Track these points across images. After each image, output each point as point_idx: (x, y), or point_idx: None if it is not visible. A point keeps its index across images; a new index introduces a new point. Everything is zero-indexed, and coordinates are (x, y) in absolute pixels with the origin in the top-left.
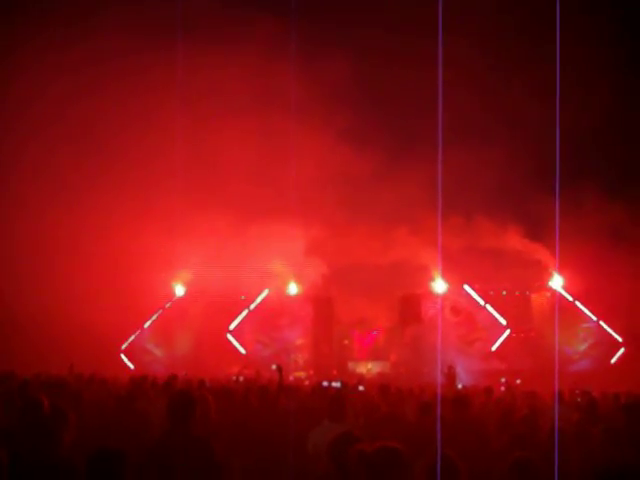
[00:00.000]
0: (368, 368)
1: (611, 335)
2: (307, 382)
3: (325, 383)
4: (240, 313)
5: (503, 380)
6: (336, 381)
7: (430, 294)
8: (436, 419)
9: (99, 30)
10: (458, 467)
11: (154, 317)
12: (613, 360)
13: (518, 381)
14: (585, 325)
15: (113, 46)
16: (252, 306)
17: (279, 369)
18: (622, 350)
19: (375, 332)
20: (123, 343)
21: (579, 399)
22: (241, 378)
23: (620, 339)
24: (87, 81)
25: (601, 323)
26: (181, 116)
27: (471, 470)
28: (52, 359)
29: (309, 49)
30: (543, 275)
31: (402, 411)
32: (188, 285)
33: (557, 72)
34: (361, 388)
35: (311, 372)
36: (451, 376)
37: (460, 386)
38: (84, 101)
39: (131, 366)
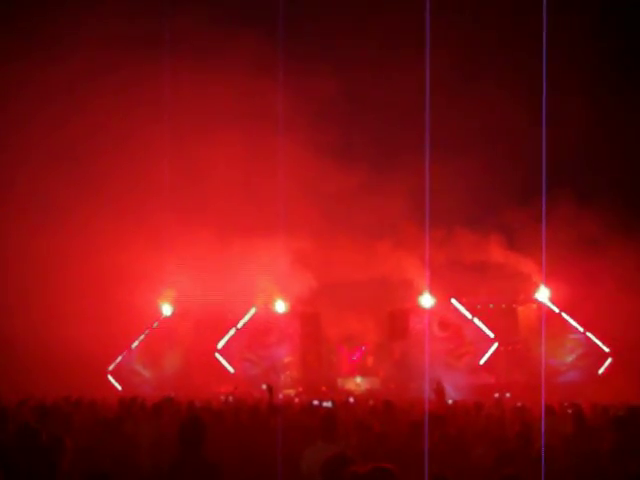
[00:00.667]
0: (357, 384)
1: (598, 346)
2: (297, 400)
3: (316, 402)
4: (228, 332)
5: (497, 396)
6: (327, 401)
7: (418, 309)
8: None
9: (82, 47)
10: None
11: (141, 337)
12: (600, 371)
13: (508, 395)
14: (572, 336)
15: (97, 63)
16: (240, 324)
17: (269, 389)
18: (609, 360)
19: (363, 348)
20: (110, 364)
21: (569, 411)
22: (230, 398)
23: (607, 349)
24: (72, 99)
25: (588, 334)
26: (166, 133)
27: None
28: (38, 381)
29: (294, 65)
30: (529, 287)
31: (394, 429)
32: (175, 304)
33: (544, 85)
34: (351, 400)
35: (300, 389)
36: (440, 392)
37: (450, 402)
38: (69, 118)
39: (119, 387)
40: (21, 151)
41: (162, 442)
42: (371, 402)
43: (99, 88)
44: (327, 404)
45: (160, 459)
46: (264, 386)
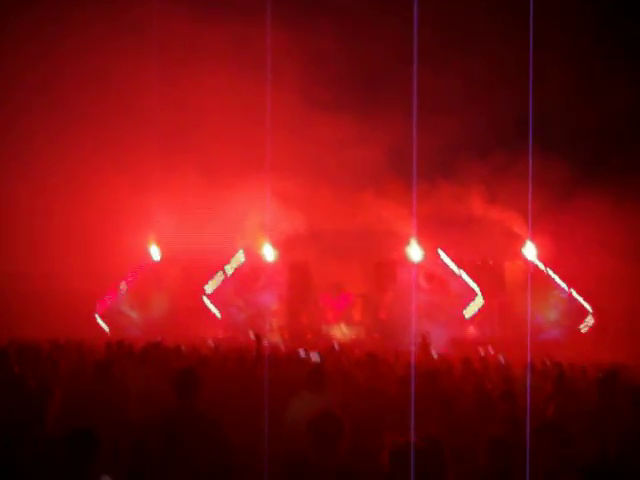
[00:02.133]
0: (342, 332)
1: (581, 304)
2: (282, 347)
3: (302, 352)
4: (215, 275)
5: (482, 352)
6: (314, 352)
7: (405, 260)
8: (415, 392)
9: None
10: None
11: (130, 280)
12: (582, 328)
13: (490, 349)
14: (556, 293)
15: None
16: (228, 269)
17: (257, 337)
18: (591, 318)
19: (350, 296)
20: (98, 306)
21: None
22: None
23: (590, 308)
24: (57, 35)
25: (572, 291)
26: (154, 76)
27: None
28: (25, 322)
29: (287, 15)
30: (516, 243)
31: (379, 383)
32: (163, 247)
33: (530, 39)
34: (336, 346)
35: (286, 336)
36: (425, 345)
37: (435, 355)
38: (53, 54)
39: (106, 329)
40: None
41: (150, 389)
42: (356, 352)
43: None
44: (314, 356)
45: (149, 407)
46: (252, 334)
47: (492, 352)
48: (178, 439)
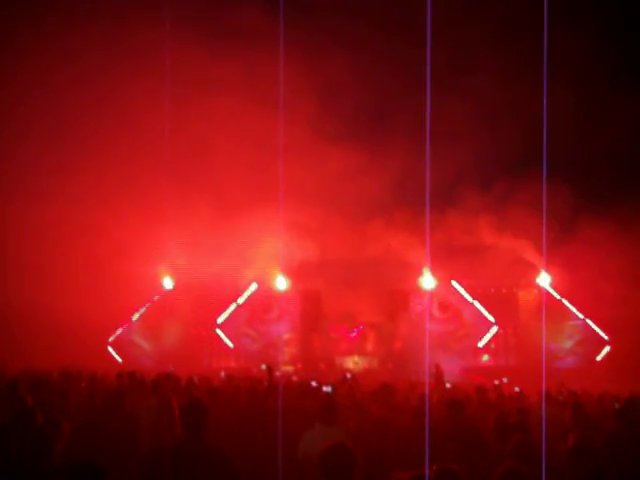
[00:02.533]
0: (355, 362)
1: (597, 333)
2: (295, 378)
3: (314, 383)
4: (228, 307)
5: (496, 382)
6: (327, 385)
7: (418, 290)
8: (430, 423)
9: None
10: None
11: (142, 310)
12: (599, 358)
13: (505, 380)
14: (571, 323)
15: (96, 30)
16: (240, 300)
17: (269, 369)
18: (607, 348)
19: (362, 327)
20: (110, 336)
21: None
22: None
23: (606, 337)
24: (65, 59)
25: (587, 321)
26: (164, 103)
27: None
28: (38, 353)
29: (298, 42)
30: (530, 272)
31: (393, 414)
32: (175, 278)
33: (544, 58)
34: (348, 376)
35: (299, 366)
36: (439, 375)
37: (448, 385)
38: (64, 85)
39: (119, 359)
40: (15, 119)
41: (162, 420)
42: (370, 383)
43: (99, 54)
44: (327, 389)
45: (160, 438)
46: (264, 366)
47: (506, 382)
48: (185, 472)
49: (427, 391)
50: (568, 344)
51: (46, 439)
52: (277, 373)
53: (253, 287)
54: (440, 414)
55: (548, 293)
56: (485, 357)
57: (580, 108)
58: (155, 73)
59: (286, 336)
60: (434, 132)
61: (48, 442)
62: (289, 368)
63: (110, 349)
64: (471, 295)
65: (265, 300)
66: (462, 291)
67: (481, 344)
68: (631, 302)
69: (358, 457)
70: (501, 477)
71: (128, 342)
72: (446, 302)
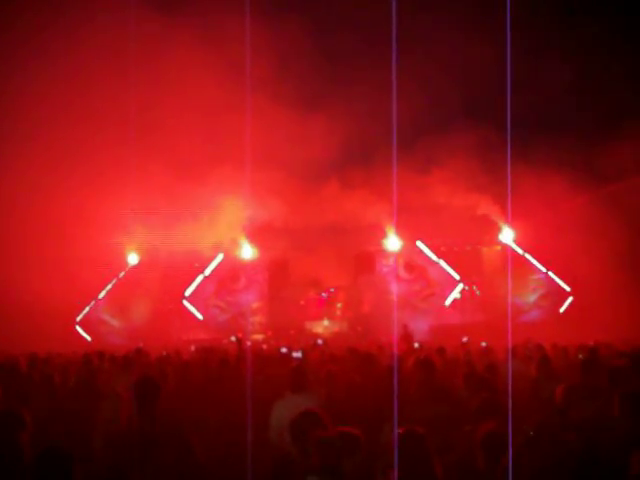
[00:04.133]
0: (325, 327)
1: (559, 285)
2: (265, 346)
3: (284, 349)
4: (195, 279)
5: (465, 340)
6: (297, 351)
7: (383, 251)
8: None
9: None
10: (424, 439)
11: (108, 287)
12: (562, 309)
13: (465, 339)
14: (535, 276)
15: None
16: (207, 271)
17: (238, 341)
18: (570, 299)
19: (331, 290)
20: (78, 315)
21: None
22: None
23: (568, 288)
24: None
25: (550, 274)
26: (123, 73)
27: (439, 439)
28: (3, 336)
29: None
30: (493, 229)
31: (364, 378)
32: (141, 253)
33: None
34: (320, 342)
35: (269, 334)
36: (407, 336)
37: (417, 345)
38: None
39: (88, 338)
40: None
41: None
42: (340, 346)
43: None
44: (297, 354)
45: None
46: (233, 338)
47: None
48: (138, 451)
49: (396, 352)
50: (532, 298)
51: (7, 433)
52: (247, 342)
53: (219, 258)
54: (412, 375)
55: (511, 249)
56: (451, 315)
57: (543, 56)
58: (108, 34)
59: (255, 305)
60: (390, 88)
61: (9, 436)
62: (259, 336)
63: (78, 328)
64: (436, 254)
65: (232, 270)
66: (427, 251)
67: (447, 302)
68: (591, 253)
69: (327, 424)
70: (483, 439)
71: (96, 320)
72: (412, 262)
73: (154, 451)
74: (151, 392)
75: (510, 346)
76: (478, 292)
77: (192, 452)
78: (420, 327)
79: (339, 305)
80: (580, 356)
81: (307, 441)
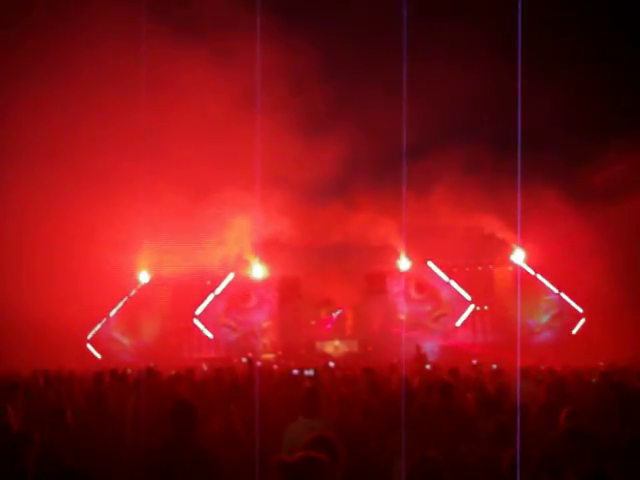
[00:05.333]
0: (335, 347)
1: (572, 306)
2: (276, 366)
3: (295, 371)
4: (206, 298)
5: (475, 362)
6: (308, 369)
7: (394, 271)
8: (417, 407)
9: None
10: (440, 467)
11: (119, 305)
12: (574, 331)
13: (475, 361)
14: (547, 297)
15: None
16: (218, 290)
17: (250, 362)
18: (582, 320)
19: (340, 311)
20: (88, 333)
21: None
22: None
23: (581, 310)
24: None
25: (562, 295)
26: (132, 94)
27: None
28: (14, 354)
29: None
30: (505, 250)
31: (376, 400)
32: (152, 271)
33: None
34: (331, 364)
35: (279, 353)
36: (420, 357)
37: (428, 366)
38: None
39: (98, 356)
40: None
41: (146, 418)
42: (351, 368)
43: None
44: (309, 372)
45: (145, 437)
46: (244, 359)
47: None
48: (175, 473)
49: (405, 373)
50: (544, 319)
51: (17, 451)
52: (258, 363)
53: (230, 277)
54: (424, 397)
55: (523, 269)
56: (463, 336)
57: (550, 80)
58: (119, 56)
59: (265, 324)
60: (400, 108)
61: (17, 456)
62: (270, 356)
63: (89, 346)
64: (447, 274)
65: (242, 289)
66: (438, 271)
67: (459, 323)
68: (603, 273)
69: (339, 447)
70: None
71: (107, 338)
72: (423, 282)
73: (191, 474)
74: (189, 415)
75: (519, 368)
76: (489, 312)
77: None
78: (431, 348)
79: (350, 325)
80: (593, 380)
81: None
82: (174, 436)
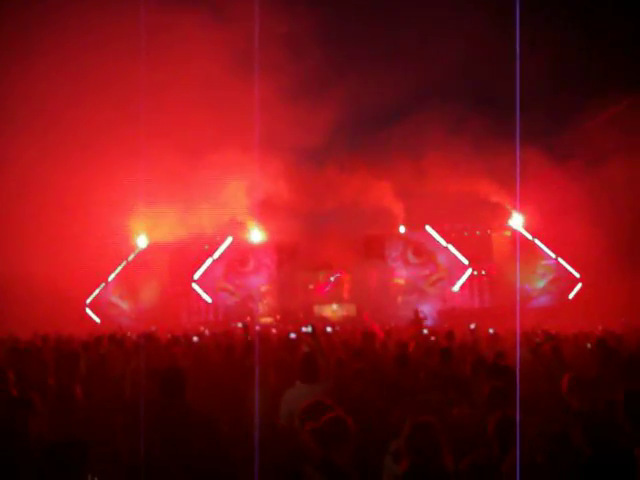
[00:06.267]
0: (333, 310)
1: (569, 271)
2: (274, 330)
3: (292, 335)
4: (204, 262)
5: (473, 326)
6: (306, 326)
7: (392, 236)
8: (413, 371)
9: None
10: (437, 432)
11: (118, 270)
12: (571, 295)
13: (472, 325)
14: (544, 262)
15: None
16: (216, 255)
17: (245, 327)
18: (579, 285)
19: (338, 275)
20: (87, 297)
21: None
22: (207, 331)
23: (578, 275)
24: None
25: (559, 259)
26: (131, 61)
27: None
28: (15, 319)
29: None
30: (503, 214)
31: (373, 363)
32: (150, 236)
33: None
34: (328, 329)
35: (277, 317)
36: (418, 320)
37: (425, 331)
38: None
39: (97, 320)
40: None
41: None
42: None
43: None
44: (306, 329)
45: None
46: (240, 324)
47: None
48: (169, 435)
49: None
50: (541, 283)
51: (20, 415)
52: (256, 327)
53: (228, 241)
54: (421, 361)
55: (520, 234)
56: (460, 300)
57: (549, 51)
58: (115, 21)
59: (263, 288)
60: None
61: (23, 418)
62: (268, 320)
63: (88, 310)
64: (445, 239)
65: (241, 253)
66: (436, 235)
67: (456, 287)
68: (600, 239)
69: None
70: (496, 425)
71: (106, 303)
72: (420, 247)
73: (184, 438)
74: (178, 382)
75: (518, 332)
76: (486, 277)
77: (220, 439)
78: (429, 312)
79: (348, 289)
80: (588, 345)
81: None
82: (165, 399)
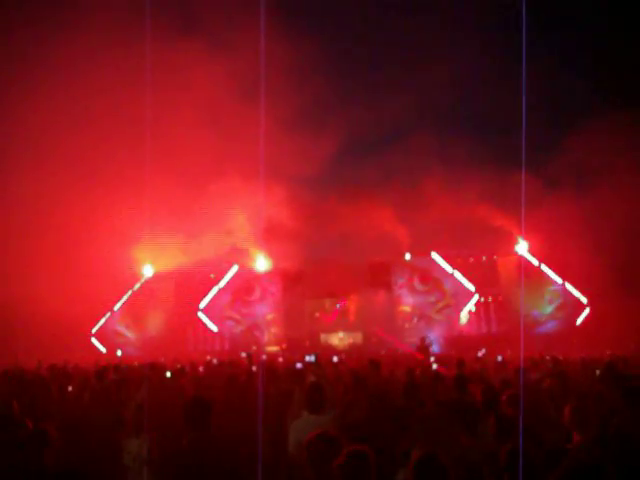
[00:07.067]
0: (340, 338)
1: (576, 296)
2: (281, 359)
3: (299, 365)
4: (210, 291)
5: (480, 354)
6: (310, 355)
7: (398, 262)
8: (420, 402)
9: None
10: (444, 465)
11: (124, 299)
12: (579, 321)
13: (480, 353)
14: (551, 288)
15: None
16: (222, 283)
17: (249, 357)
18: (587, 310)
19: (344, 303)
20: (93, 327)
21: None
22: (214, 360)
23: (585, 300)
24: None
25: (566, 285)
26: (135, 90)
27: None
28: (21, 348)
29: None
30: (509, 240)
31: (381, 394)
32: (155, 265)
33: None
34: (335, 359)
35: (284, 346)
36: (424, 348)
37: (433, 358)
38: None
39: (103, 350)
40: None
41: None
42: (356, 359)
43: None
44: (310, 358)
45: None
46: (244, 354)
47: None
48: (198, 466)
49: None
50: (549, 309)
51: (36, 447)
52: (263, 356)
53: (234, 269)
54: (430, 389)
55: (526, 260)
56: (467, 327)
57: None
58: (120, 52)
59: (269, 317)
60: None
61: (38, 450)
62: (274, 348)
63: (94, 340)
64: (451, 265)
65: (247, 282)
66: (442, 262)
67: (463, 318)
68: (607, 264)
69: (342, 444)
70: (507, 456)
71: (112, 332)
72: (427, 273)
73: (209, 468)
74: (205, 410)
75: (522, 359)
76: (493, 303)
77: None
78: (436, 339)
79: (354, 317)
80: (597, 371)
81: (322, 464)
82: (191, 430)
